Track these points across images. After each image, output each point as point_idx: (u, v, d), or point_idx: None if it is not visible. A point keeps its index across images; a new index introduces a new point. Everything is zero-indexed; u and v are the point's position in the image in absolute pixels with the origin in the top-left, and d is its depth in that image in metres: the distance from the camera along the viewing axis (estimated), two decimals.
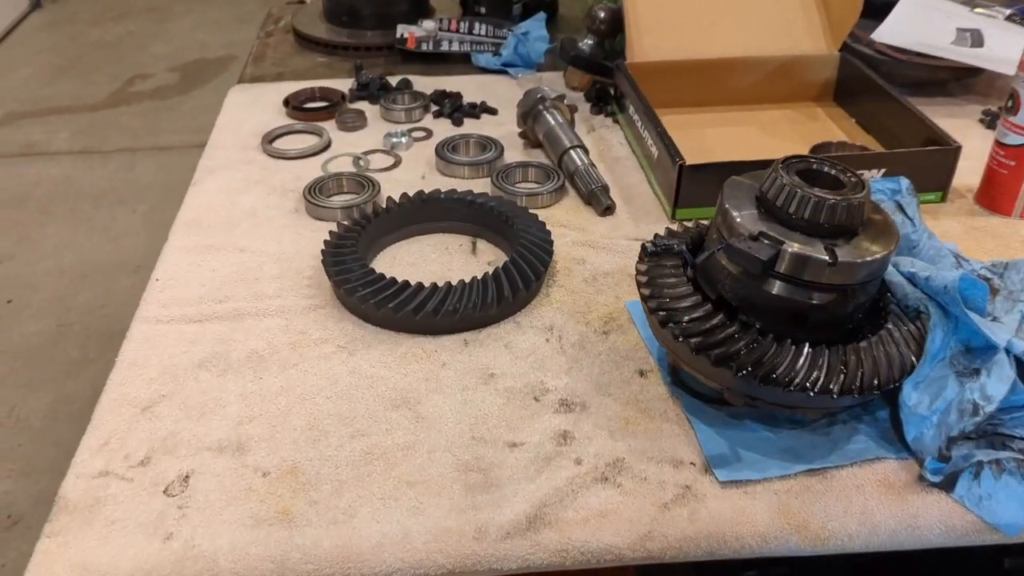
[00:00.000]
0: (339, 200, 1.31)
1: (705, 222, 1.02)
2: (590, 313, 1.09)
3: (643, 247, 0.91)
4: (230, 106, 1.63)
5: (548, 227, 1.20)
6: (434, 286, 1.06)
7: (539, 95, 1.43)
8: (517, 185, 1.36)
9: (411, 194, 1.25)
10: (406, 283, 1.06)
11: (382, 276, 1.07)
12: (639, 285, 0.93)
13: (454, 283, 1.11)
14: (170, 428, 0.93)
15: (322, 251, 1.13)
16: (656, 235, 0.97)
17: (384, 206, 1.22)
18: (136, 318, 1.09)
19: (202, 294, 1.12)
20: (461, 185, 1.36)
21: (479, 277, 1.07)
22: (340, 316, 1.09)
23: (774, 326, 0.85)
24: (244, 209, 1.31)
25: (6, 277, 3.19)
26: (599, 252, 1.21)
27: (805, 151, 1.39)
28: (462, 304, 1.04)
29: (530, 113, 1.43)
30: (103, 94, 4.53)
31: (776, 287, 0.84)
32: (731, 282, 0.87)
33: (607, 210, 1.29)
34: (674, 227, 1.04)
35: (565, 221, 1.28)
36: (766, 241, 0.83)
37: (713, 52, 1.53)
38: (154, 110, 4.37)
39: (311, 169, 1.41)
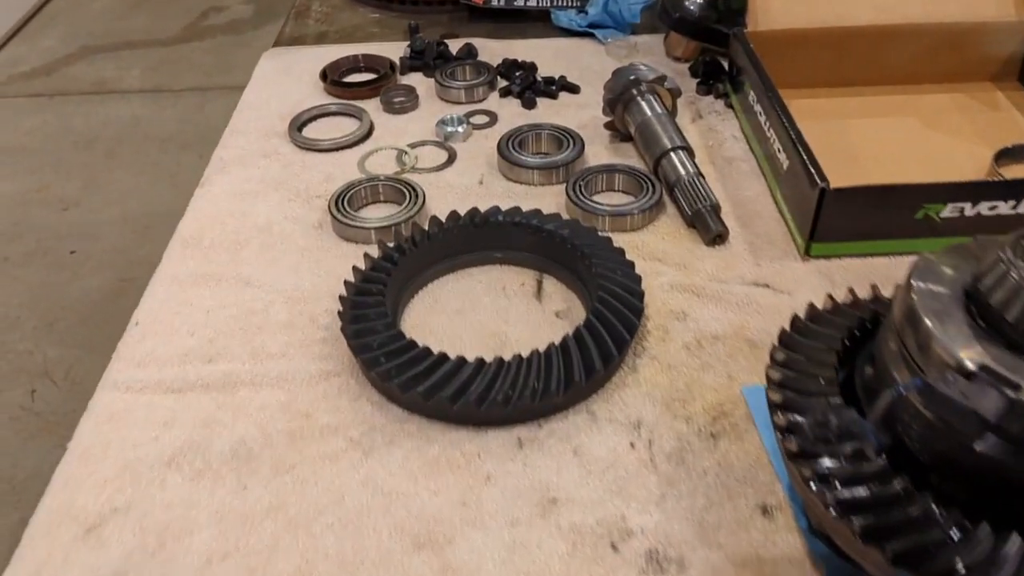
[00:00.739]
0: (373, 215, 1.04)
1: (865, 291, 0.72)
2: (692, 402, 0.80)
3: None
4: (259, 77, 1.36)
5: (637, 262, 0.91)
6: (480, 363, 0.78)
7: (632, 76, 1.12)
8: (599, 196, 1.06)
9: (462, 212, 0.97)
10: (443, 357, 0.79)
11: (411, 344, 0.80)
12: (773, 408, 0.63)
13: (510, 345, 0.84)
14: (116, 566, 0.69)
15: (341, 298, 0.87)
16: (788, 347, 0.67)
17: (426, 229, 0.95)
18: (103, 382, 0.85)
19: (189, 348, 0.88)
20: (528, 193, 1.08)
21: (541, 351, 0.79)
22: (359, 391, 0.83)
23: (989, 505, 0.55)
24: (257, 222, 1.05)
25: (71, 224, 3.08)
26: (706, 303, 0.91)
27: (987, 156, 1.05)
28: (516, 391, 0.76)
29: (620, 99, 1.12)
30: (176, 28, 4.36)
31: (995, 446, 0.54)
32: (920, 428, 0.57)
33: (717, 239, 0.98)
34: (815, 289, 0.73)
35: (661, 252, 0.98)
36: (990, 379, 0.52)
37: (862, 17, 1.18)
38: (227, 45, 4.19)
39: (346, 165, 1.14)
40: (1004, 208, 0.91)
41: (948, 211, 0.92)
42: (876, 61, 1.21)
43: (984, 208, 0.91)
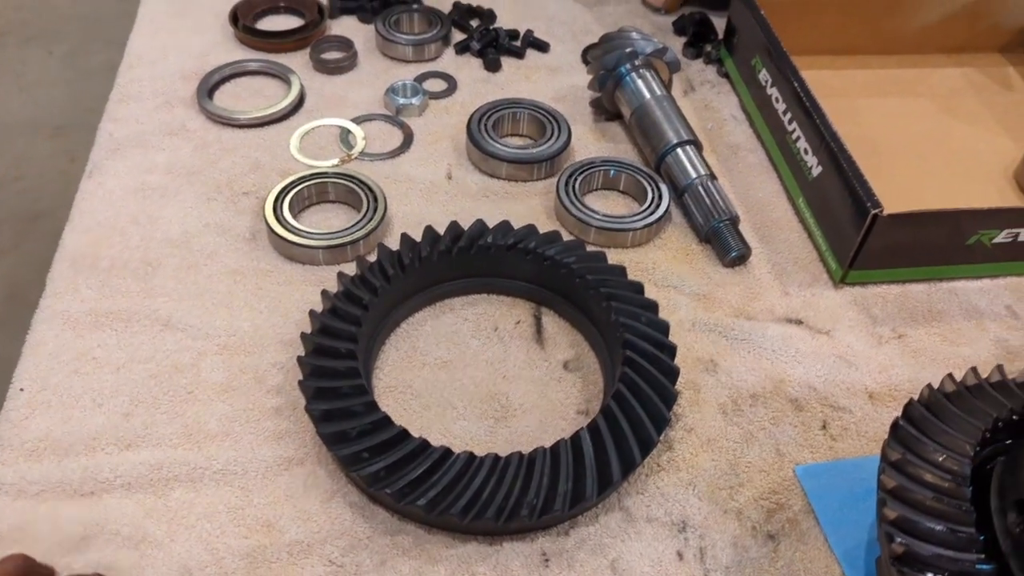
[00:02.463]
0: (321, 225, 0.83)
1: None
2: (741, 489, 0.67)
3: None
4: (148, 17, 1.08)
5: (648, 289, 0.77)
6: (495, 461, 0.62)
7: (628, 47, 0.93)
8: (592, 197, 0.89)
9: (429, 217, 0.79)
10: (446, 452, 0.62)
11: (403, 435, 0.63)
12: (887, 525, 0.51)
13: (513, 411, 0.69)
14: None
15: (299, 361, 0.68)
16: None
17: (396, 252, 0.76)
18: None
19: (99, 427, 0.67)
20: (508, 192, 0.90)
21: (567, 441, 0.64)
22: (331, 487, 0.65)
23: None
24: (170, 232, 0.83)
25: None
26: (736, 348, 0.77)
27: (1009, 148, 0.96)
28: (541, 497, 0.61)
29: (612, 75, 0.94)
30: None
31: None
32: None
33: (738, 259, 0.84)
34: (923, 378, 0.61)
35: (674, 276, 0.83)
36: None
37: None
38: None
39: (276, 147, 0.92)
40: None
41: (1002, 236, 0.80)
42: (884, 28, 1.07)
43: None
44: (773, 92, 0.93)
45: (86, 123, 0.95)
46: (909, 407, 0.58)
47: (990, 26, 1.09)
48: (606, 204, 0.90)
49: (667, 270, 0.83)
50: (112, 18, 3.11)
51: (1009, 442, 0.59)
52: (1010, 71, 1.09)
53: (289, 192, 0.84)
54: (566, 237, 0.83)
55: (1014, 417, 0.57)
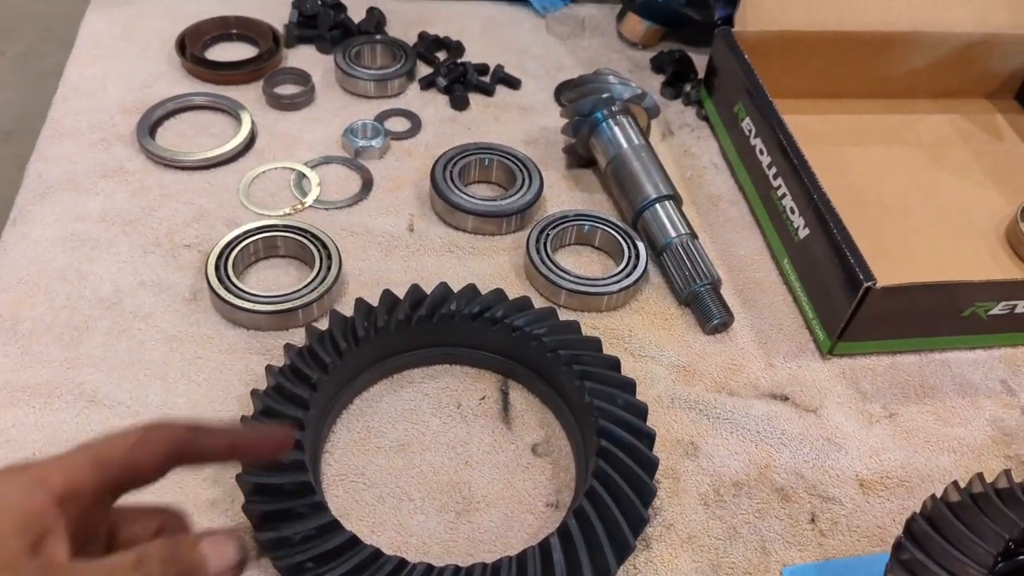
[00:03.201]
0: (268, 285, 0.76)
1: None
2: None
3: None
4: (88, 43, 1.00)
5: (625, 360, 0.72)
6: (456, 572, 0.56)
7: (604, 92, 0.87)
8: (563, 254, 0.83)
9: (388, 273, 0.74)
10: (400, 564, 0.56)
11: (353, 542, 0.56)
12: None
13: (476, 503, 0.63)
14: None
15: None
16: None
17: (349, 319, 0.69)
18: None
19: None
20: (474, 246, 0.83)
21: (535, 547, 0.57)
22: None
23: None
24: (101, 291, 0.75)
25: None
26: (718, 428, 0.71)
27: (999, 202, 0.92)
28: None
29: (586, 121, 0.88)
30: None
31: None
32: None
33: (720, 327, 0.78)
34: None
35: (652, 345, 0.77)
36: None
37: (864, 20, 0.98)
38: None
39: (223, 191, 0.85)
40: None
41: (998, 308, 0.76)
42: (870, 72, 1.02)
43: None
44: (757, 143, 0.88)
45: (37, 128, 0.89)
46: (912, 523, 0.53)
47: (979, 72, 1.05)
48: (579, 261, 0.84)
49: (644, 338, 0.77)
50: (68, 19, 2.99)
51: (1021, 558, 0.54)
52: (998, 119, 1.05)
53: (234, 248, 0.76)
54: (535, 297, 0.78)
55: None
